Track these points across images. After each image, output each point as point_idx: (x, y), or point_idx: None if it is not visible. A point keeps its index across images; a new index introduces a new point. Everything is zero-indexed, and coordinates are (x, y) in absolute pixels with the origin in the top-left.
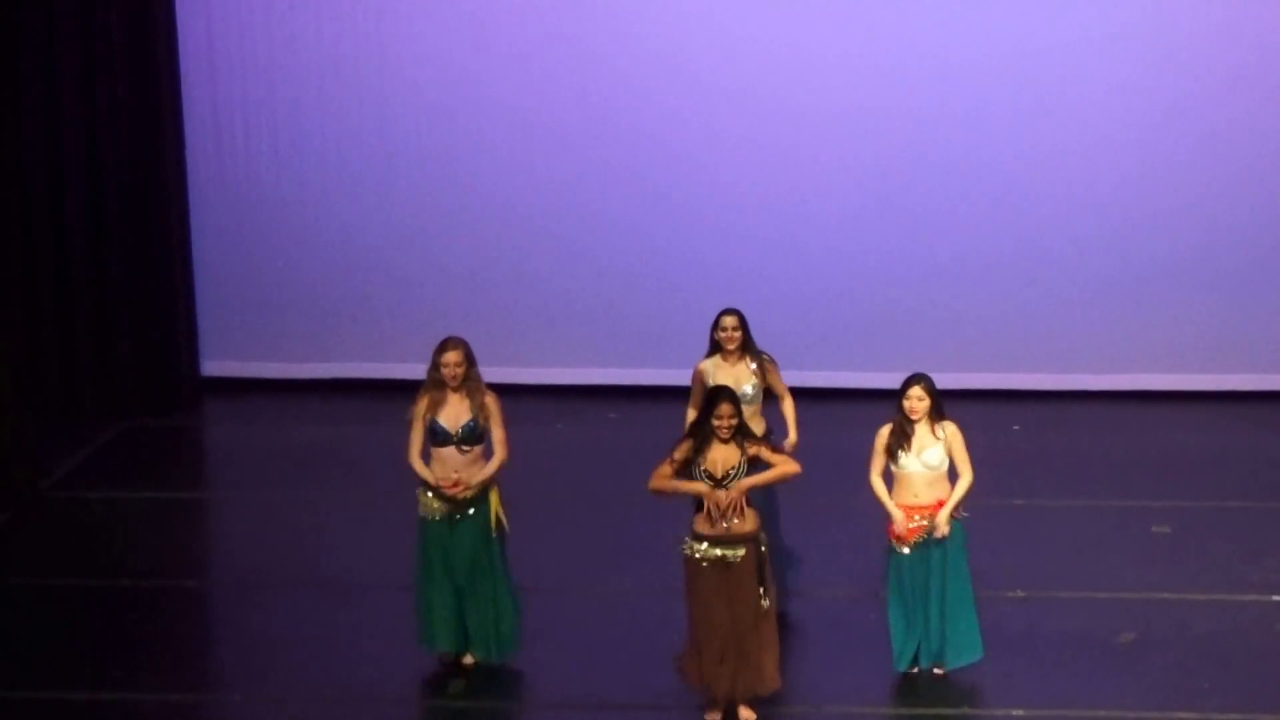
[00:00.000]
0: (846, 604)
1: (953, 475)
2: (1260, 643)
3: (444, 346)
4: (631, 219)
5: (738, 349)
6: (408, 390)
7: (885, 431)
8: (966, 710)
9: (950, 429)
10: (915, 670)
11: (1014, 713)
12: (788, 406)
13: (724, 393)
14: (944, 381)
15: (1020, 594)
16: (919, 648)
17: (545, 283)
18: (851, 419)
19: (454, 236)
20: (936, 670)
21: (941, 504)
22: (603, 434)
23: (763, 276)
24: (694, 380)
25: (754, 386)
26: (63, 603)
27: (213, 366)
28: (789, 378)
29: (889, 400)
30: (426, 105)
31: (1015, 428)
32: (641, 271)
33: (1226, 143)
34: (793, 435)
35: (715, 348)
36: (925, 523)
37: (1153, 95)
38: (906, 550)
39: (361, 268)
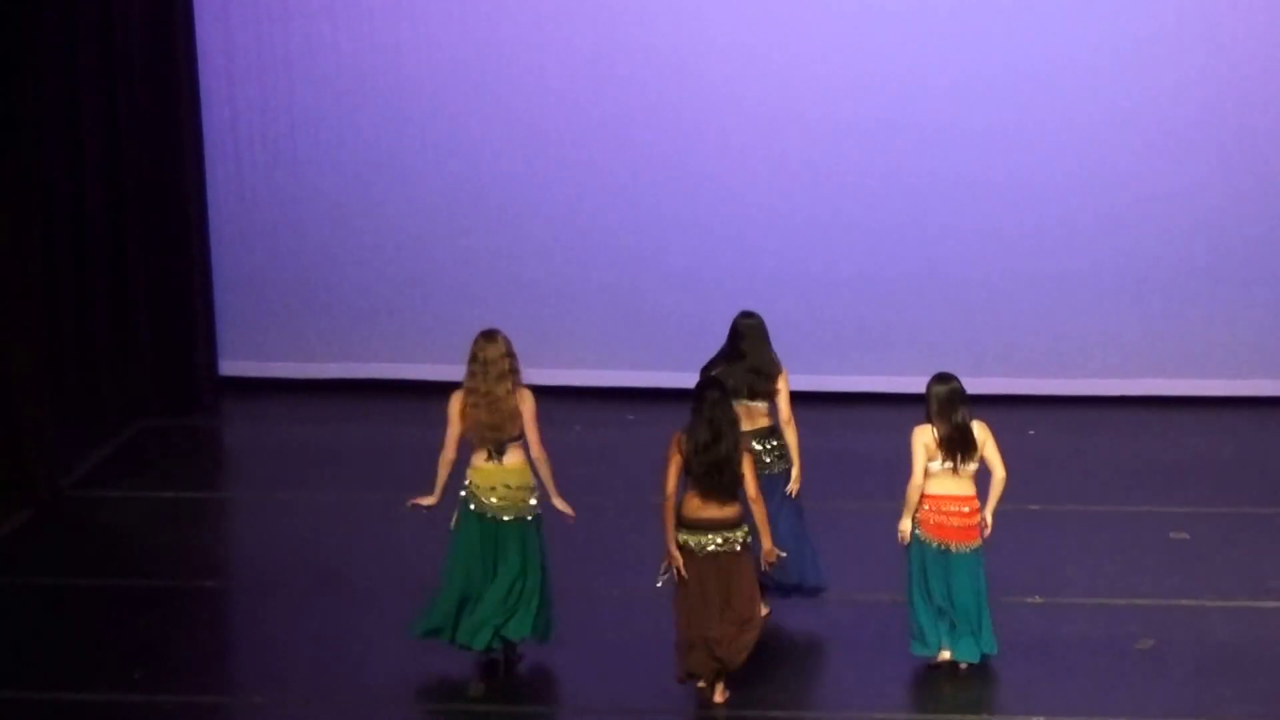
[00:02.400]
0: (864, 609)
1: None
2: None
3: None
4: (648, 221)
5: None
6: (426, 391)
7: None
8: (985, 716)
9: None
10: (953, 664)
11: (1032, 719)
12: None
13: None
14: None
15: (1038, 600)
16: (954, 641)
17: (563, 285)
18: (869, 423)
19: (472, 238)
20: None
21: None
22: (620, 436)
23: (781, 280)
24: None
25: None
26: (82, 602)
27: (231, 366)
28: (807, 382)
29: (906, 404)
30: (443, 108)
31: (1030, 432)
32: (660, 273)
33: (1241, 149)
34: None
35: None
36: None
37: (1167, 101)
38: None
39: (380, 269)
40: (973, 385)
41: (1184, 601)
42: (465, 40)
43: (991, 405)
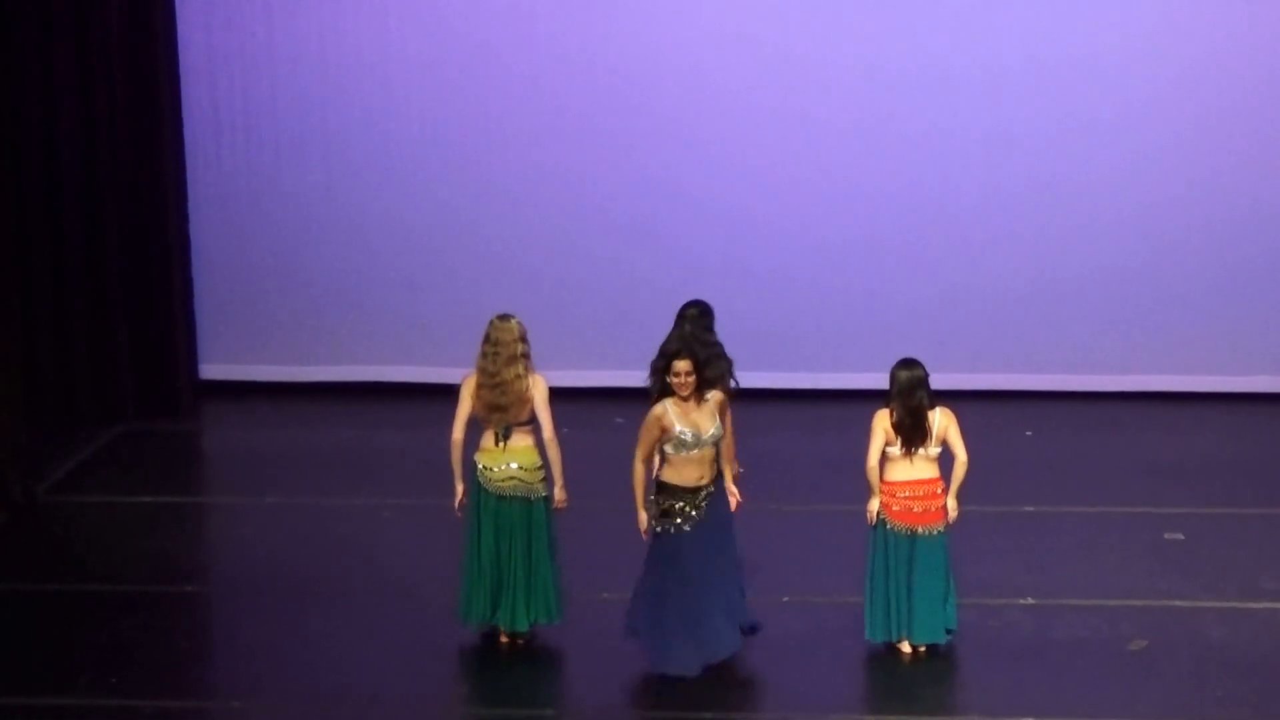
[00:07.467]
0: (854, 610)
1: None
2: (1274, 651)
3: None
4: (637, 220)
5: (692, 393)
6: (406, 394)
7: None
8: (975, 718)
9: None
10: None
11: None
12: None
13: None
14: (956, 382)
15: (1030, 601)
16: (914, 628)
17: (548, 285)
18: (862, 421)
19: (456, 239)
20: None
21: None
22: (609, 438)
23: (772, 278)
24: (651, 426)
25: (719, 426)
26: (59, 608)
27: (211, 370)
28: (801, 380)
29: None
30: (427, 107)
31: (1028, 433)
32: (647, 273)
33: (1244, 144)
34: (729, 471)
35: (667, 389)
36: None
37: (1178, 97)
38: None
39: (362, 271)
40: (970, 381)
41: (1177, 602)
42: (451, 38)
43: (988, 401)
